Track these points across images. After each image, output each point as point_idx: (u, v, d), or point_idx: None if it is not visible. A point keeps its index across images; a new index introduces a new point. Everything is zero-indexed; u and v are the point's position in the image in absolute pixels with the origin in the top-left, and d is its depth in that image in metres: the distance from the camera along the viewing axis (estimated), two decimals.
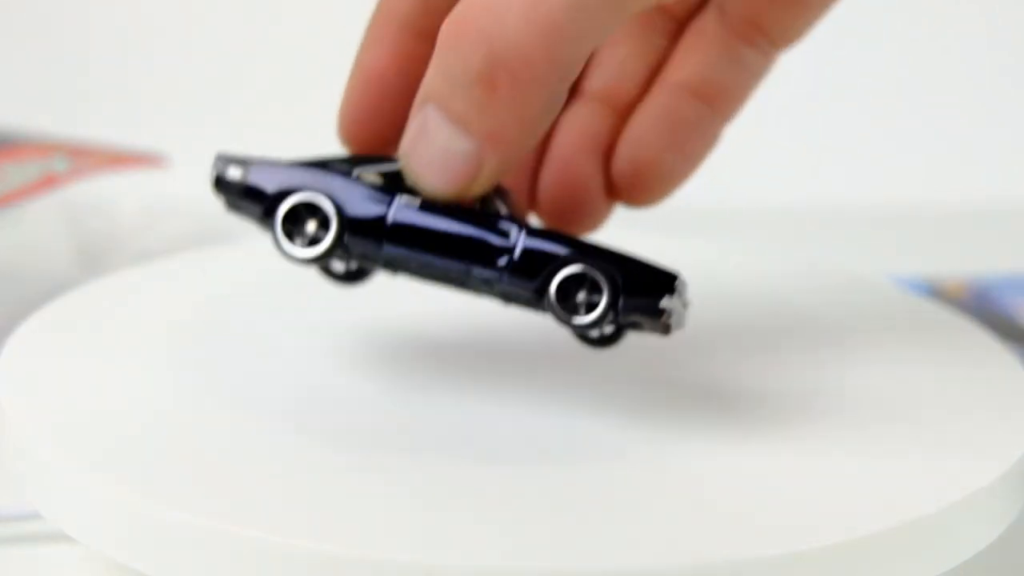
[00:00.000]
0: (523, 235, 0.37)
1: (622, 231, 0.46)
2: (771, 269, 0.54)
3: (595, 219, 0.44)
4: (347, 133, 0.42)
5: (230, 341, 0.44)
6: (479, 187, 0.36)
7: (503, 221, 0.37)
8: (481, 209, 0.37)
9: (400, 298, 0.47)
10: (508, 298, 0.38)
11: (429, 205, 0.37)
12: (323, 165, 0.38)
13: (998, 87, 0.91)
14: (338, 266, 0.41)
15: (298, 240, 0.38)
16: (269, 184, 0.38)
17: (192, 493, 0.35)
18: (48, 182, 0.59)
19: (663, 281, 0.37)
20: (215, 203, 0.70)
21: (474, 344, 0.45)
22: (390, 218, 0.37)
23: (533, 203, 0.44)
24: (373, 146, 0.41)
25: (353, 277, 0.42)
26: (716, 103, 0.44)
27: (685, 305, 0.39)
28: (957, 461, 0.38)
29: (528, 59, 0.33)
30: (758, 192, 0.82)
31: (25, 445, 0.37)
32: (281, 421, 0.39)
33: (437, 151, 0.35)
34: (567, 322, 0.37)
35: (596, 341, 0.41)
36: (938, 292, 0.69)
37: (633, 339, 0.42)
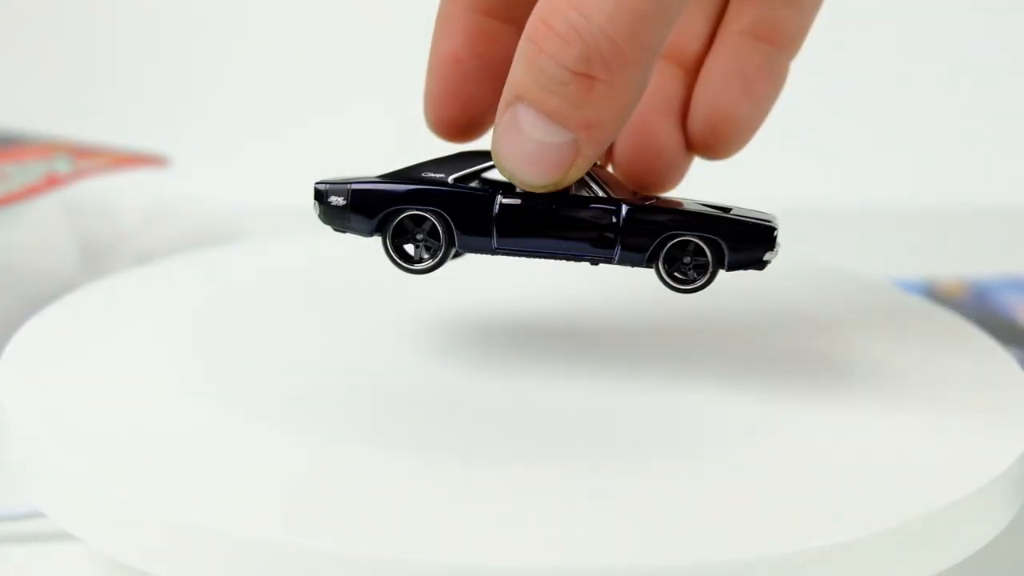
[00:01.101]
0: (625, 212, 0.39)
1: None
2: (770, 269, 0.54)
3: (676, 176, 0.45)
4: (434, 118, 0.43)
5: (232, 341, 0.44)
6: (576, 174, 0.37)
7: (605, 203, 0.39)
8: (578, 194, 0.39)
9: (404, 294, 0.47)
10: (622, 262, 0.40)
11: (530, 200, 0.39)
12: (416, 177, 0.40)
13: (998, 89, 0.92)
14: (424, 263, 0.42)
15: (413, 253, 0.40)
16: (372, 207, 0.39)
17: (193, 493, 0.35)
18: (50, 182, 0.59)
19: (765, 236, 0.39)
20: (216, 203, 0.70)
21: (487, 335, 0.45)
22: (496, 220, 0.39)
23: (610, 162, 0.45)
24: (461, 128, 0.42)
25: (434, 268, 0.41)
26: (779, 42, 0.44)
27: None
28: (955, 461, 0.38)
29: (620, 50, 0.34)
30: (758, 192, 0.82)
31: (27, 445, 0.38)
32: (283, 421, 0.39)
33: (533, 146, 0.36)
34: (677, 289, 0.39)
35: (692, 289, 0.41)
36: (937, 292, 0.69)
37: (633, 338, 0.42)
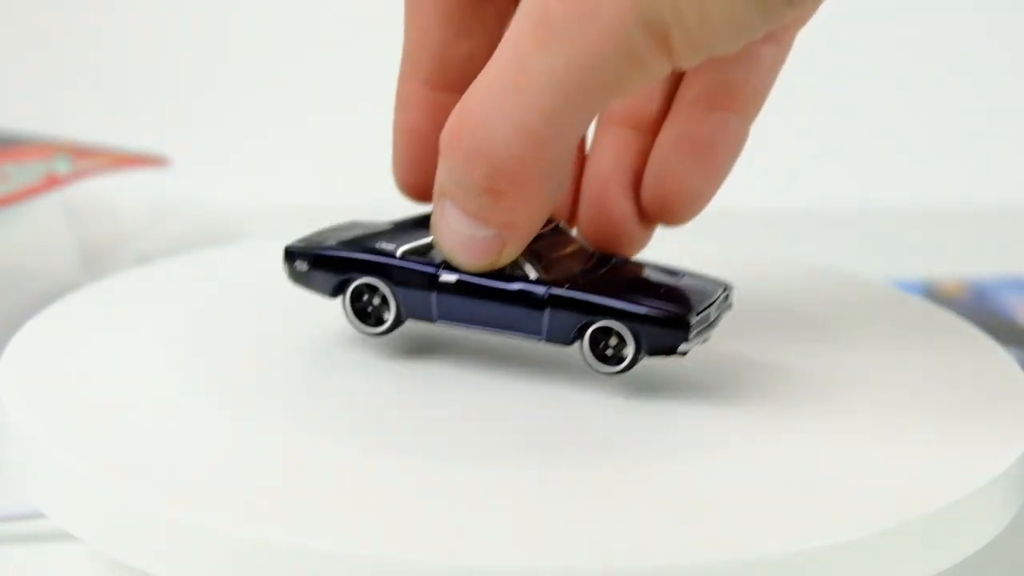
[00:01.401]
0: (547, 296, 0.41)
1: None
2: (769, 269, 0.54)
3: (634, 244, 0.45)
4: (402, 183, 0.46)
5: (232, 341, 0.44)
6: (508, 258, 0.40)
7: (532, 285, 0.41)
8: (513, 273, 0.41)
9: None
10: (550, 341, 0.42)
11: (465, 278, 0.41)
12: (371, 247, 0.43)
13: (998, 89, 0.92)
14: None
15: (367, 318, 0.43)
16: (329, 273, 0.43)
17: (193, 493, 0.35)
18: (50, 183, 0.59)
19: (679, 328, 0.40)
20: (216, 204, 0.70)
21: (478, 341, 0.45)
22: (435, 296, 0.42)
23: (575, 224, 0.46)
24: (427, 192, 0.44)
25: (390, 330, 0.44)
26: (734, 107, 0.44)
27: (715, 321, 0.42)
28: (955, 461, 0.38)
29: (523, 165, 0.37)
30: (758, 193, 0.82)
31: (27, 445, 0.38)
32: (284, 421, 0.39)
33: (462, 237, 0.39)
34: (602, 372, 0.41)
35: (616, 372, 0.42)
36: (937, 292, 0.69)
37: None
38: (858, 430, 0.40)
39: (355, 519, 0.34)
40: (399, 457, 0.37)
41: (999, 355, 0.46)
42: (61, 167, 0.61)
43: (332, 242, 0.44)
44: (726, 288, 0.43)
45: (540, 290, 0.41)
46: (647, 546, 0.33)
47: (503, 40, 0.37)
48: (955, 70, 0.91)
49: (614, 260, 0.44)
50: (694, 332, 0.40)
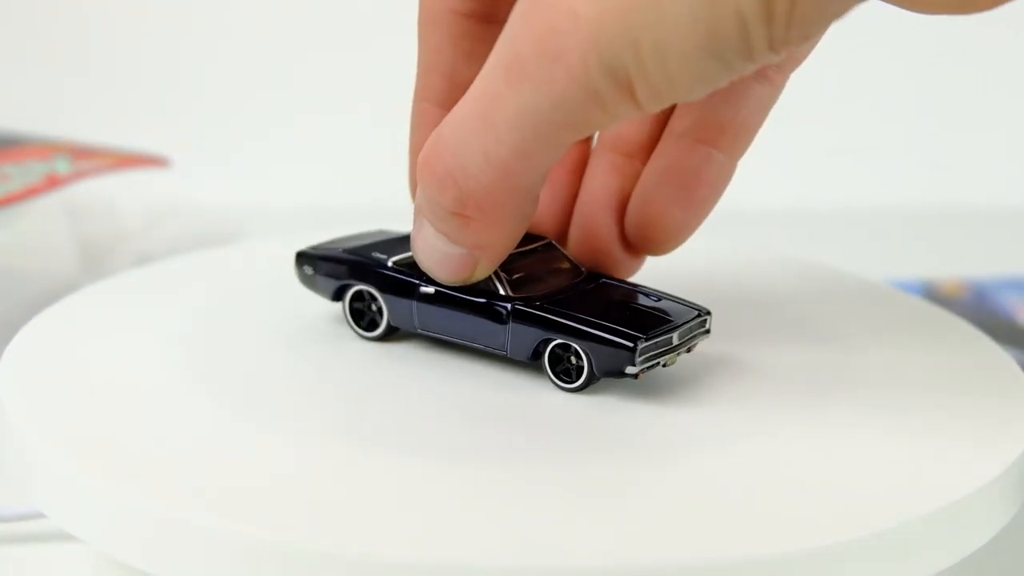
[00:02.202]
0: (510, 312, 0.42)
1: None
2: (769, 270, 0.54)
3: (620, 268, 0.46)
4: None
5: (232, 342, 0.44)
6: (480, 276, 0.42)
7: (498, 301, 0.42)
8: (487, 288, 0.42)
9: None
10: (514, 356, 0.43)
11: (441, 291, 0.43)
12: (367, 256, 0.45)
13: (998, 89, 0.92)
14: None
15: (362, 321, 0.45)
16: (330, 278, 0.45)
17: (194, 493, 0.35)
18: (51, 183, 0.59)
19: (625, 351, 0.41)
20: (216, 204, 0.70)
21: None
22: (415, 305, 0.44)
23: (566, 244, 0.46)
24: None
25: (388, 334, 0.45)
26: (722, 143, 0.45)
27: (680, 346, 0.42)
28: (955, 461, 0.38)
29: (493, 196, 0.38)
30: (758, 193, 0.82)
31: (27, 445, 0.38)
32: (284, 421, 0.39)
33: (437, 253, 0.41)
34: (562, 387, 0.42)
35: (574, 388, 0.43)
36: (936, 293, 0.69)
37: None
38: (858, 430, 0.40)
39: (356, 520, 0.34)
40: (402, 459, 0.37)
41: (999, 355, 0.46)
42: (61, 167, 0.61)
43: (339, 249, 0.45)
44: (701, 314, 0.43)
45: (504, 305, 0.42)
46: (646, 546, 0.33)
47: (479, 74, 0.38)
48: (955, 70, 0.91)
49: (602, 280, 0.44)
50: (642, 356, 0.41)
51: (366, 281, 0.44)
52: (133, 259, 0.63)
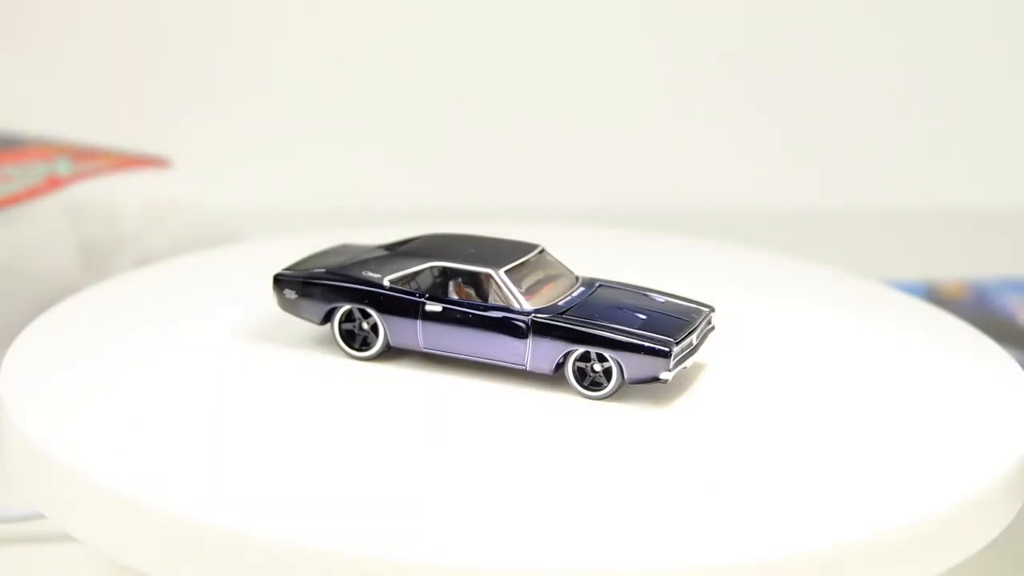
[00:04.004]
0: (531, 325, 0.41)
1: (629, 232, 0.46)
2: (769, 271, 0.54)
3: None
4: None
5: (232, 341, 0.45)
6: None
7: (516, 315, 0.42)
8: (495, 303, 0.42)
9: None
10: (533, 369, 0.42)
11: (450, 308, 0.42)
12: (358, 276, 0.44)
13: (998, 89, 0.92)
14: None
15: (354, 340, 0.44)
16: (319, 301, 0.44)
17: (194, 493, 0.35)
18: (52, 184, 0.59)
19: (661, 356, 0.41)
20: (216, 205, 0.70)
21: None
22: (421, 324, 0.43)
23: None
24: None
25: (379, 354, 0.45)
26: None
27: (698, 346, 0.43)
28: (955, 461, 0.38)
29: None
30: (758, 193, 0.82)
31: (28, 446, 0.38)
32: (285, 422, 0.39)
33: None
34: (588, 396, 0.41)
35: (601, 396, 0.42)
36: (937, 294, 0.69)
37: None
38: (858, 430, 0.40)
39: (356, 521, 0.34)
40: (404, 460, 0.37)
41: (999, 356, 0.46)
42: (63, 168, 0.61)
43: (321, 270, 0.44)
44: (707, 312, 0.43)
45: (524, 319, 0.42)
46: (648, 547, 0.34)
47: None
48: (955, 71, 0.91)
49: (598, 284, 0.44)
50: (675, 360, 0.41)
51: (361, 302, 0.43)
52: (134, 260, 0.63)
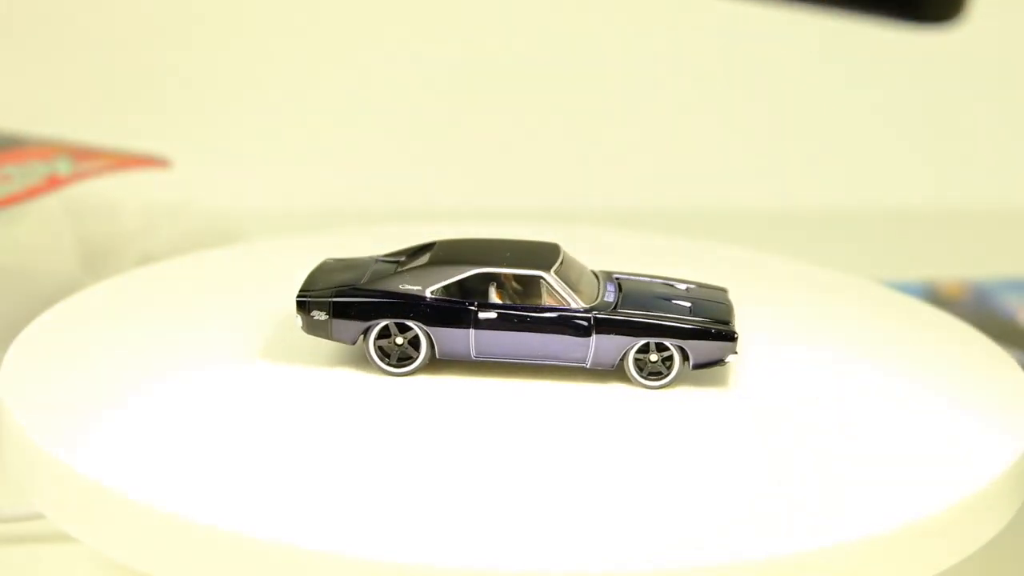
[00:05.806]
0: (594, 323, 0.42)
1: (628, 232, 0.46)
2: (770, 270, 0.54)
3: None
4: None
5: (232, 341, 0.45)
6: None
7: (575, 315, 0.42)
8: (550, 304, 0.42)
9: None
10: (595, 367, 0.42)
11: (505, 313, 0.42)
12: (393, 290, 0.42)
13: (998, 89, 0.92)
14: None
15: (391, 356, 0.42)
16: (355, 319, 0.42)
17: (194, 493, 0.35)
18: (52, 184, 0.59)
19: (729, 339, 0.42)
20: (217, 205, 0.70)
21: None
22: (474, 333, 0.42)
23: None
24: None
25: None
26: None
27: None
28: (955, 461, 0.38)
29: None
30: (758, 194, 0.82)
31: (28, 446, 0.38)
32: (287, 423, 0.39)
33: None
34: (648, 386, 0.42)
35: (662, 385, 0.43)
36: (937, 294, 0.69)
37: None
38: (858, 431, 0.40)
39: (357, 521, 0.34)
40: (404, 460, 0.37)
41: (1000, 356, 0.46)
42: (63, 168, 0.61)
43: (349, 287, 0.43)
44: (726, 293, 0.45)
45: (586, 317, 0.42)
46: (647, 547, 0.34)
47: None
48: (955, 70, 0.91)
49: (616, 277, 0.45)
50: (737, 342, 0.42)
51: (405, 316, 0.42)
52: (134, 260, 0.63)
